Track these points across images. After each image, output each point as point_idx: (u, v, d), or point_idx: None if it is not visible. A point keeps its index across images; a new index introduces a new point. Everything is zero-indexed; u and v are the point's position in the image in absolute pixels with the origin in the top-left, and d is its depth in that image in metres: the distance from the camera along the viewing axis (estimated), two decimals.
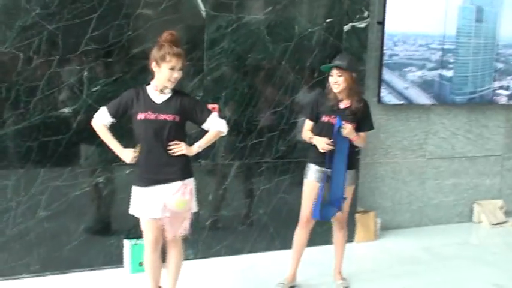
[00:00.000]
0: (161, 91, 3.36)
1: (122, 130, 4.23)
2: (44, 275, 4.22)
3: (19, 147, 4.06)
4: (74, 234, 4.29)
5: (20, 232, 4.13)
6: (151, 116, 3.31)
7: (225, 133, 3.58)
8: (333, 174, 3.98)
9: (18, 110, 4.02)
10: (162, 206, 3.36)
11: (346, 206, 4.15)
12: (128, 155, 3.35)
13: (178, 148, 3.36)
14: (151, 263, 3.52)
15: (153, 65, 3.33)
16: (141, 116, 3.32)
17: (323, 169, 4.03)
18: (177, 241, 3.50)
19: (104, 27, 4.17)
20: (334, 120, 3.95)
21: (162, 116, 3.32)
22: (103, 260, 4.41)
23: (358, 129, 4.01)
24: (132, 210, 3.46)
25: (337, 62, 3.97)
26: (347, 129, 3.88)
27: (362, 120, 4.05)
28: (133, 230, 4.41)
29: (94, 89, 4.20)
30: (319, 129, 4.04)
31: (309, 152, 4.16)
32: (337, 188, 4.00)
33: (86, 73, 4.17)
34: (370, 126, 4.15)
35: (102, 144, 4.22)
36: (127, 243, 4.41)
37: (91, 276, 4.29)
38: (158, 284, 3.60)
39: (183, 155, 3.39)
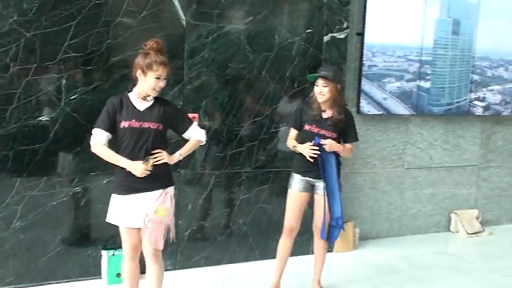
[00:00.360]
0: (143, 98, 3.33)
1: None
2: (19, 287, 4.13)
3: None
4: (51, 245, 4.22)
5: None
6: (135, 124, 3.28)
7: (204, 142, 3.59)
8: (328, 192, 4.04)
9: None
10: (141, 215, 3.30)
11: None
12: (138, 167, 3.25)
13: (161, 156, 3.32)
14: (129, 272, 3.46)
15: (138, 73, 3.29)
16: (124, 124, 3.28)
17: (306, 178, 4.09)
18: (157, 256, 3.41)
19: (83, 35, 4.12)
20: (316, 129, 4.01)
21: (146, 124, 3.29)
22: (80, 271, 4.33)
23: (343, 140, 4.07)
24: (110, 218, 3.41)
25: (323, 72, 4.01)
26: (328, 144, 3.93)
27: (346, 132, 4.10)
28: (111, 241, 4.36)
29: (72, 97, 4.15)
30: (302, 138, 4.09)
31: (293, 162, 4.20)
32: (334, 204, 4.07)
33: (64, 81, 4.11)
34: (354, 137, 4.18)
35: (79, 154, 4.21)
36: (104, 254, 4.34)
37: None
38: None
39: (164, 164, 3.35)
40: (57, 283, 4.25)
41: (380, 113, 5.67)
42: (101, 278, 4.37)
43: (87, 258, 4.35)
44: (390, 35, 5.56)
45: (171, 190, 3.41)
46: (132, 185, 3.30)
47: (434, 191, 6.21)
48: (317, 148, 3.95)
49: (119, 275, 4.31)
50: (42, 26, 4.00)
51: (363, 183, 5.77)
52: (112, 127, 3.31)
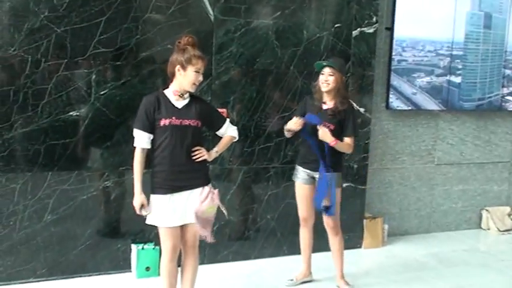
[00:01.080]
0: (181, 96, 3.32)
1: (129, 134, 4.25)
2: (50, 280, 4.19)
3: (27, 151, 4.05)
4: (81, 239, 4.27)
5: (26, 236, 4.11)
6: (175, 121, 3.26)
7: (237, 139, 3.61)
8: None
9: (26, 113, 4.01)
10: (183, 213, 3.32)
11: (336, 210, 4.15)
12: (138, 201, 3.31)
13: (200, 154, 3.33)
14: (168, 272, 3.43)
15: (177, 68, 3.27)
16: (165, 122, 3.25)
17: (306, 171, 4.14)
18: (194, 248, 3.45)
19: (112, 31, 4.16)
20: (316, 120, 3.99)
21: (186, 122, 3.28)
22: (110, 265, 4.38)
23: (341, 133, 4.04)
24: (150, 220, 3.37)
25: (331, 60, 4.09)
26: (321, 132, 3.92)
27: (345, 124, 4.04)
28: (141, 235, 4.41)
29: (102, 92, 4.19)
30: (305, 131, 4.07)
31: (298, 154, 4.33)
32: (318, 195, 4.07)
33: (94, 76, 4.16)
34: (352, 131, 4.07)
35: (109, 148, 4.26)
36: (134, 248, 4.38)
37: (97, 281, 4.27)
38: None
39: (203, 161, 3.37)
40: (87, 276, 4.30)
41: (409, 108, 5.60)
42: (130, 271, 4.41)
43: (117, 251, 4.40)
44: (420, 29, 5.49)
45: (211, 186, 3.42)
46: (175, 183, 3.29)
47: (465, 187, 6.11)
48: (303, 122, 3.93)
49: (148, 268, 4.35)
50: (73, 21, 4.04)
51: (391, 179, 5.71)
52: (151, 126, 3.28)
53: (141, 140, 3.29)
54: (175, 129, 3.26)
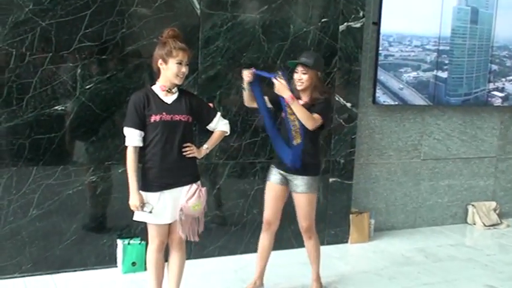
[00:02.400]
0: (169, 90, 3.29)
1: (115, 129, 4.23)
2: (35, 275, 4.17)
3: (11, 145, 4.01)
4: (67, 234, 4.25)
5: (11, 231, 4.08)
6: (166, 117, 3.22)
7: (228, 133, 3.55)
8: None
9: (10, 107, 3.97)
10: (172, 210, 3.30)
11: (308, 215, 3.95)
12: (136, 200, 3.23)
13: (191, 151, 3.31)
14: (155, 262, 3.41)
15: (159, 63, 3.25)
16: (155, 117, 3.21)
17: (280, 171, 3.92)
18: (181, 244, 3.43)
19: (97, 24, 4.13)
20: (291, 116, 3.70)
21: (177, 117, 3.25)
22: (96, 260, 4.36)
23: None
24: (139, 217, 3.33)
25: (303, 59, 3.82)
26: (277, 84, 3.64)
27: (315, 106, 3.78)
28: (126, 230, 4.39)
29: (87, 86, 4.16)
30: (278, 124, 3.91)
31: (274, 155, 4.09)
32: (279, 150, 3.86)
33: (79, 70, 4.13)
34: (318, 111, 3.73)
35: (94, 143, 4.24)
36: (120, 243, 4.37)
37: (83, 277, 4.25)
38: (161, 286, 3.50)
39: (193, 158, 3.35)
40: (73, 271, 4.28)
41: (396, 103, 5.62)
42: (116, 266, 4.40)
43: (103, 246, 4.38)
44: (407, 24, 5.50)
45: (200, 184, 3.38)
46: (165, 180, 3.27)
47: (451, 182, 6.15)
48: (252, 72, 3.70)
49: (134, 264, 4.34)
50: (58, 15, 4.01)
51: (378, 174, 5.73)
52: (142, 123, 3.23)
53: (133, 138, 3.24)
54: (166, 125, 3.23)
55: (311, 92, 3.82)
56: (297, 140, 3.71)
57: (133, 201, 3.25)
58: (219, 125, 3.48)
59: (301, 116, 3.65)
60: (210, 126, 3.48)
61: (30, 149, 4.06)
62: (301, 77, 3.80)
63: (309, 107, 3.74)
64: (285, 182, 3.93)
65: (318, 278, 4.15)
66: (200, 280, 4.30)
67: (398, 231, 5.85)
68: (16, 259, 4.12)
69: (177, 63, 3.23)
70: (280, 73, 3.69)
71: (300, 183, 3.85)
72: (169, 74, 3.25)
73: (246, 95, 3.85)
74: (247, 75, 3.72)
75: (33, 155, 4.08)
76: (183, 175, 3.31)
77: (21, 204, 4.09)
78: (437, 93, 5.80)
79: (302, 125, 3.68)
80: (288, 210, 4.11)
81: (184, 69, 3.26)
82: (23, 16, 3.92)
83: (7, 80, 3.94)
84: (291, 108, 3.66)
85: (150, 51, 4.25)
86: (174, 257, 3.46)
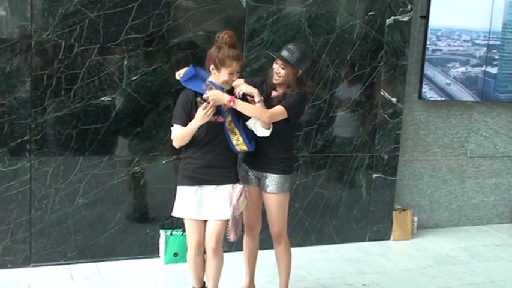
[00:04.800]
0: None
1: (160, 120, 4.27)
2: (80, 262, 4.25)
3: (59, 135, 4.09)
4: (111, 223, 4.32)
5: (58, 219, 4.17)
6: (211, 118, 3.20)
7: (259, 134, 3.36)
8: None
9: (59, 97, 4.04)
10: (207, 207, 3.30)
11: (280, 218, 3.60)
12: (201, 114, 3.13)
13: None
14: (195, 265, 3.42)
15: (212, 67, 3.23)
16: None
17: (253, 171, 3.56)
18: (216, 249, 3.34)
19: (144, 17, 4.16)
20: (229, 125, 3.31)
21: (220, 119, 3.25)
22: (139, 250, 4.42)
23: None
24: (177, 212, 3.35)
25: (285, 52, 3.39)
26: (212, 95, 3.18)
27: (286, 98, 3.41)
28: (169, 221, 4.42)
29: (133, 78, 4.20)
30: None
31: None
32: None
33: (125, 62, 4.17)
34: (286, 104, 3.35)
35: (139, 134, 4.28)
36: (162, 234, 4.41)
37: (126, 265, 4.31)
38: (202, 282, 3.51)
39: (234, 159, 3.35)
40: (116, 260, 4.35)
41: (443, 99, 5.49)
42: (158, 257, 4.44)
43: (146, 236, 4.43)
44: (456, 18, 5.36)
45: (242, 183, 3.38)
46: (203, 176, 3.28)
47: (498, 180, 5.99)
48: (180, 73, 3.36)
49: (176, 254, 4.38)
50: (106, 7, 4.05)
51: (422, 171, 5.62)
52: (189, 121, 3.23)
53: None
54: (209, 127, 3.23)
55: (286, 88, 3.46)
56: (241, 147, 3.33)
57: (200, 116, 3.14)
58: (257, 125, 3.35)
59: (250, 113, 3.29)
60: (249, 123, 3.40)
61: (77, 139, 4.13)
62: (279, 70, 3.41)
63: (280, 100, 3.40)
64: (257, 182, 3.57)
65: None
66: (241, 273, 4.30)
67: (442, 229, 5.74)
68: (62, 246, 4.21)
69: (229, 73, 3.22)
70: (207, 83, 3.26)
71: (269, 182, 3.50)
72: (219, 80, 3.25)
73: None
74: (179, 74, 3.40)
75: (80, 145, 4.15)
76: (222, 174, 3.30)
77: (67, 192, 4.17)
78: (486, 89, 5.64)
79: (246, 132, 3.34)
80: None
81: (234, 78, 3.26)
82: (72, 8, 3.98)
83: (56, 70, 4.01)
84: (232, 114, 3.29)
85: (196, 44, 4.32)
86: (211, 261, 3.40)
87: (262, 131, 3.34)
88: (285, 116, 3.37)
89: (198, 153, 3.28)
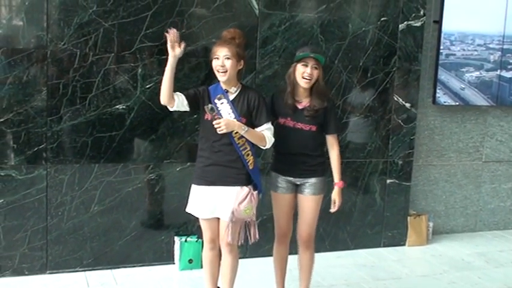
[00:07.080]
0: (227, 91, 3.29)
1: (174, 127, 4.30)
2: (96, 269, 4.28)
3: (75, 143, 4.14)
4: (126, 230, 4.35)
5: (74, 226, 4.21)
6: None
7: (266, 147, 3.36)
8: None
9: (74, 105, 4.09)
10: (213, 207, 3.33)
11: (314, 221, 3.64)
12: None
13: (218, 123, 3.16)
14: (209, 261, 3.47)
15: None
16: (208, 116, 3.23)
17: (288, 178, 3.56)
18: (233, 247, 3.39)
19: (158, 25, 4.20)
20: (291, 122, 3.45)
21: None
22: (154, 256, 4.45)
23: (323, 131, 3.54)
24: (190, 209, 3.40)
25: (312, 53, 3.37)
26: (223, 124, 3.14)
27: (326, 123, 3.49)
28: (184, 227, 4.45)
29: (148, 86, 4.24)
30: (278, 134, 3.45)
31: (273, 159, 3.73)
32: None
33: (140, 70, 4.21)
34: (334, 130, 3.54)
35: (154, 141, 4.31)
36: (177, 240, 4.43)
37: (142, 272, 4.33)
38: (216, 283, 3.54)
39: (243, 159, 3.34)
40: (131, 267, 4.38)
41: (457, 103, 5.47)
42: (173, 263, 4.47)
43: (161, 243, 4.46)
44: (469, 22, 5.34)
45: (251, 188, 3.35)
46: (211, 178, 3.30)
47: None
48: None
49: (190, 261, 4.40)
50: (120, 16, 4.10)
51: (437, 176, 5.60)
52: (193, 97, 3.26)
53: (179, 94, 3.28)
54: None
55: (312, 92, 3.43)
56: (252, 165, 3.36)
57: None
58: (265, 132, 3.34)
59: (255, 141, 3.29)
60: (257, 129, 3.37)
61: (92, 146, 4.18)
62: (312, 71, 3.35)
63: (312, 115, 3.42)
64: (293, 189, 3.59)
65: None
66: (255, 279, 4.31)
67: (458, 234, 5.70)
68: (78, 253, 4.25)
69: (215, 58, 3.24)
70: (214, 111, 3.21)
71: (310, 185, 3.53)
72: (214, 69, 3.27)
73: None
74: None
75: (95, 153, 4.19)
76: (228, 175, 3.30)
77: (83, 200, 4.21)
78: (500, 94, 5.61)
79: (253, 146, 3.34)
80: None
81: (220, 63, 3.21)
82: (87, 17, 4.03)
83: (72, 79, 4.06)
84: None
85: (209, 52, 4.33)
86: (225, 259, 3.44)
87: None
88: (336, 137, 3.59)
89: (207, 152, 3.32)
